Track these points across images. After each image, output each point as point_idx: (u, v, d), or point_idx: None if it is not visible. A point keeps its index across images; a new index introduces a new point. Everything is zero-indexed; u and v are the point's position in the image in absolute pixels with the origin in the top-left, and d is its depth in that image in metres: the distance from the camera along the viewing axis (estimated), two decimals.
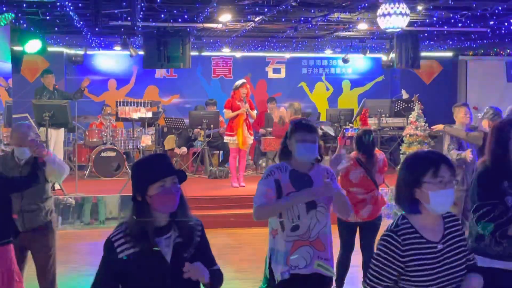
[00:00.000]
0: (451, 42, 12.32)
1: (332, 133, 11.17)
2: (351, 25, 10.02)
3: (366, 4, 8.05)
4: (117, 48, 12.13)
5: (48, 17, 8.86)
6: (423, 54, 11.95)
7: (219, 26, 9.61)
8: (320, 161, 3.64)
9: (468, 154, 6.67)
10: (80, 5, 8.14)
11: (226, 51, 13.49)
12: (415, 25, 9.66)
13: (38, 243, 4.67)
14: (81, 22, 9.28)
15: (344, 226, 5.34)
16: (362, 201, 5.32)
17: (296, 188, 3.45)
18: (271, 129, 10.96)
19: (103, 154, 10.96)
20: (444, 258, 2.51)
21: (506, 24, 9.62)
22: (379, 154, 5.48)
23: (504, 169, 3.35)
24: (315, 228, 3.48)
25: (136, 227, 2.51)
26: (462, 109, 7.41)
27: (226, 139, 9.68)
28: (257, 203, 3.45)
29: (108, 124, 11.34)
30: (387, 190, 9.17)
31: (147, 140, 10.48)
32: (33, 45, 9.29)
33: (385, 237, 2.54)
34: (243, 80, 9.97)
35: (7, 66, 10.88)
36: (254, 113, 9.90)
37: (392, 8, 7.10)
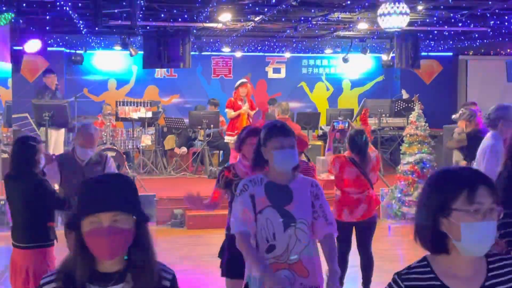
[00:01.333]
0: (451, 42, 12.32)
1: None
2: (351, 25, 10.01)
3: (366, 4, 8.05)
4: (117, 48, 12.12)
5: (48, 17, 8.85)
6: (423, 54, 11.95)
7: (219, 25, 9.61)
8: (297, 169, 3.17)
9: None
10: (80, 5, 8.13)
11: (226, 51, 13.49)
12: (415, 25, 9.65)
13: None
14: (81, 22, 9.28)
15: (338, 226, 5.33)
16: (356, 201, 5.31)
17: (273, 202, 3.04)
18: None
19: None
20: None
21: (506, 24, 9.62)
22: (372, 152, 5.47)
23: None
24: (294, 248, 3.02)
25: (65, 269, 1.86)
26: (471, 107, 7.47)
27: (227, 139, 9.68)
28: (236, 229, 3.05)
29: (108, 124, 11.33)
30: (387, 190, 9.17)
31: (147, 140, 10.49)
32: (33, 45, 9.29)
33: (390, 282, 1.87)
34: (243, 80, 9.96)
35: (7, 66, 10.87)
36: (245, 109, 9.88)
37: (392, 8, 7.10)
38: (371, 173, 5.38)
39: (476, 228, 1.72)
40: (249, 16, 9.14)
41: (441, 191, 1.78)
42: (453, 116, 7.41)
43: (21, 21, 8.89)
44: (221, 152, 11.97)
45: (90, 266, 1.83)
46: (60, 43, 12.38)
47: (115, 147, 11.06)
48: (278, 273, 2.98)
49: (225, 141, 9.96)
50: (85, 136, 4.75)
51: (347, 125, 5.85)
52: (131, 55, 11.14)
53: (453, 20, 9.44)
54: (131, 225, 1.83)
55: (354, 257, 5.49)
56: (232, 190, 3.86)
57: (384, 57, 13.20)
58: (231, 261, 4.01)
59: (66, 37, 11.59)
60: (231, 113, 9.55)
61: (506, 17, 9.15)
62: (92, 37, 11.25)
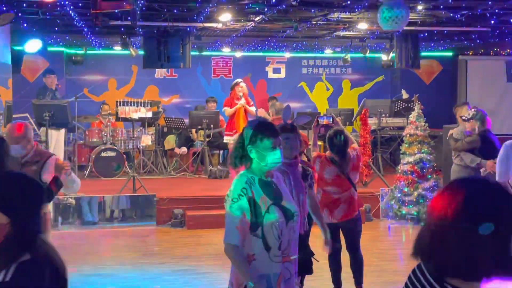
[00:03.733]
0: (451, 42, 12.31)
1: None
2: (351, 25, 10.01)
3: (366, 4, 8.05)
4: (117, 48, 12.12)
5: (48, 17, 8.85)
6: (423, 54, 11.95)
7: (219, 25, 9.61)
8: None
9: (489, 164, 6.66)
10: (80, 5, 8.13)
11: (226, 51, 13.49)
12: (415, 25, 9.66)
13: None
14: (81, 22, 9.28)
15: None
16: (336, 201, 5.28)
17: (272, 199, 3.07)
18: None
19: (103, 154, 10.95)
20: None
21: (506, 24, 9.62)
22: (352, 150, 5.41)
23: None
24: (293, 241, 3.14)
25: None
26: (464, 108, 7.39)
27: (226, 139, 9.68)
28: (232, 240, 3.01)
29: (108, 123, 11.34)
30: (387, 190, 9.17)
31: (147, 140, 10.49)
32: (33, 45, 9.29)
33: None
34: (238, 80, 9.99)
35: (7, 66, 10.88)
36: (253, 109, 9.89)
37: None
38: (352, 172, 5.35)
39: None
40: (249, 16, 9.14)
41: None
42: (463, 117, 7.24)
43: (21, 21, 8.90)
44: (221, 152, 11.98)
45: None
46: (60, 43, 12.38)
47: (115, 147, 11.08)
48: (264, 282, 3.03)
49: (224, 141, 9.95)
50: (10, 132, 4.71)
51: (331, 120, 5.80)
52: (131, 55, 11.14)
53: (453, 20, 9.44)
54: (6, 221, 2.02)
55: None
56: None
57: (384, 57, 13.21)
58: None
59: (66, 37, 11.59)
60: (228, 110, 9.58)
61: (506, 17, 9.15)
62: (92, 37, 11.25)
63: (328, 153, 5.41)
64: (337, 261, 5.41)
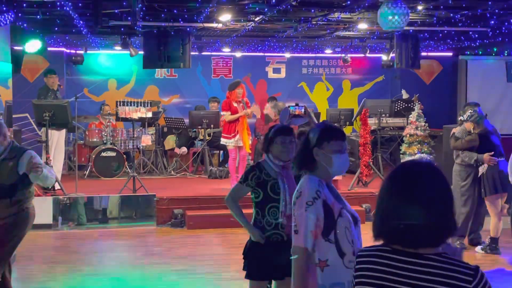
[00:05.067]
0: (451, 42, 12.31)
1: None
2: (351, 25, 10.02)
3: (366, 4, 8.05)
4: (117, 48, 12.12)
5: (48, 17, 8.85)
6: (423, 54, 11.95)
7: (219, 25, 9.61)
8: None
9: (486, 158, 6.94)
10: (80, 5, 8.14)
11: (226, 51, 13.49)
12: (415, 25, 9.66)
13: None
14: (81, 22, 9.28)
15: None
16: None
17: (340, 203, 2.95)
18: None
19: (103, 154, 10.96)
20: None
21: (506, 24, 9.62)
22: None
23: None
24: (359, 246, 2.98)
25: None
26: (474, 109, 7.47)
27: (223, 141, 9.47)
28: (302, 244, 2.86)
29: (108, 123, 11.34)
30: None
31: (147, 140, 10.48)
32: (33, 45, 9.29)
33: None
34: (238, 80, 9.89)
35: (7, 66, 10.87)
36: (249, 111, 9.80)
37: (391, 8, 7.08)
38: None
39: None
40: (249, 16, 9.13)
41: None
42: (461, 118, 7.39)
43: (21, 21, 8.90)
44: (221, 152, 11.97)
45: None
46: (60, 43, 12.38)
47: (115, 147, 11.08)
48: None
49: (222, 143, 9.78)
50: None
51: (303, 110, 5.74)
52: (131, 55, 11.14)
53: (453, 20, 9.44)
54: None
55: None
56: (267, 191, 3.97)
57: (384, 57, 13.20)
58: (256, 263, 4.04)
59: (66, 37, 11.59)
60: (229, 116, 9.30)
61: (506, 17, 9.15)
62: (92, 37, 11.25)
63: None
64: None
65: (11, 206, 4.72)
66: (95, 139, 11.32)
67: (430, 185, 1.87)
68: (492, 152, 7.00)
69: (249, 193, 4.11)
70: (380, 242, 1.95)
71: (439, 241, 1.86)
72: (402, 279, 1.83)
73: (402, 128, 10.70)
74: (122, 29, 9.87)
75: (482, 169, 7.04)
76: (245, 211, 4.18)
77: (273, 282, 4.11)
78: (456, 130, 7.42)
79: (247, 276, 4.06)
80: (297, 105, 6.82)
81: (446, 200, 1.87)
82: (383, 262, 1.88)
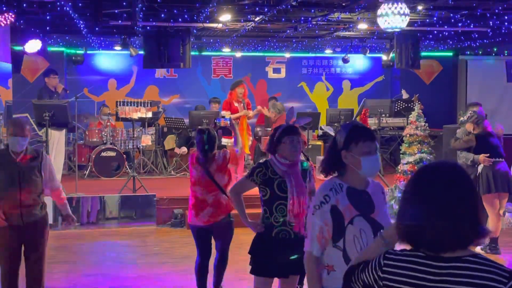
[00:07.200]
0: (451, 42, 12.31)
1: (332, 133, 11.16)
2: (351, 25, 10.01)
3: (366, 4, 8.05)
4: (117, 48, 12.12)
5: (48, 17, 8.86)
6: (423, 54, 11.95)
7: (219, 25, 9.61)
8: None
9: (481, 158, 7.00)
10: (80, 5, 8.14)
11: (226, 51, 13.49)
12: (415, 25, 9.66)
13: (33, 237, 4.63)
14: (81, 22, 9.28)
15: (193, 231, 5.31)
16: (202, 202, 5.14)
17: (360, 210, 2.79)
18: (271, 129, 10.91)
19: (103, 154, 10.96)
20: None
21: (506, 24, 9.62)
22: (221, 152, 5.25)
23: None
24: None
25: None
26: (475, 109, 7.50)
27: (224, 141, 9.47)
28: (309, 249, 2.80)
29: (107, 124, 11.33)
30: (387, 190, 9.17)
31: (147, 140, 10.48)
32: (33, 45, 9.29)
33: None
34: (240, 80, 9.88)
35: (7, 66, 10.89)
36: (251, 113, 9.80)
37: (390, 8, 7.08)
38: (218, 174, 5.14)
39: None
40: (249, 16, 9.13)
41: None
42: (461, 119, 7.44)
43: (21, 21, 8.90)
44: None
45: None
46: (60, 43, 12.39)
47: (115, 147, 11.08)
48: None
49: (222, 143, 9.77)
50: (15, 124, 4.53)
51: (229, 122, 5.75)
52: (131, 55, 11.15)
53: (453, 20, 9.44)
54: None
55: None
56: (274, 189, 4.00)
57: (384, 57, 13.21)
58: (262, 259, 4.06)
59: (66, 37, 11.59)
60: (228, 115, 9.29)
61: (506, 17, 9.15)
62: (92, 37, 11.25)
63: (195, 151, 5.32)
64: (203, 267, 5.37)
65: (41, 209, 4.69)
66: (95, 139, 11.32)
67: (455, 186, 1.85)
68: (488, 154, 7.01)
69: (258, 192, 4.16)
70: (404, 245, 1.93)
71: (466, 243, 1.83)
72: (432, 284, 1.81)
73: (402, 128, 10.70)
74: (122, 29, 9.86)
75: (479, 169, 7.09)
76: (250, 210, 4.23)
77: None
78: (461, 130, 7.49)
79: (252, 272, 4.07)
80: (223, 117, 6.90)
81: (472, 202, 1.85)
82: (415, 267, 1.86)
